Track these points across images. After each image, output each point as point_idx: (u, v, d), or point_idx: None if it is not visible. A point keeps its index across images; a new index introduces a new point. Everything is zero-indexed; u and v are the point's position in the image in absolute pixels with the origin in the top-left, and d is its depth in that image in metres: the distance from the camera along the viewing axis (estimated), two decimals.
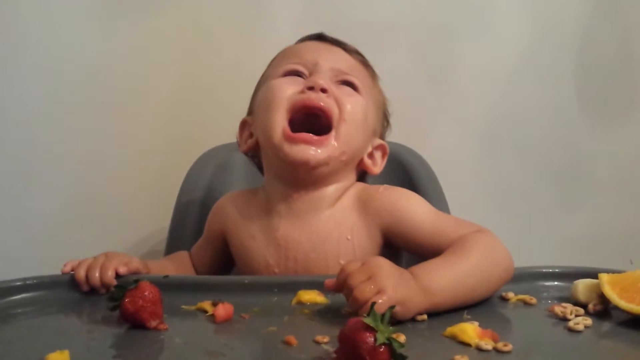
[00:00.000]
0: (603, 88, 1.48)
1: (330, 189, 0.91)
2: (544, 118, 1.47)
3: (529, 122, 1.46)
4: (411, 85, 1.37)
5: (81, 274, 0.80)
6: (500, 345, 0.63)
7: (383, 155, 0.98)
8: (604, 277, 0.74)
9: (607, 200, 1.51)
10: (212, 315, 0.72)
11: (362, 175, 0.99)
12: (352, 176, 0.95)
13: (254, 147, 0.96)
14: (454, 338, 0.66)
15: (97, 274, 0.79)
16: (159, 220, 1.26)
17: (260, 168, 1.00)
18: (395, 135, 1.20)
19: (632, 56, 1.47)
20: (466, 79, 1.43)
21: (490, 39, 1.42)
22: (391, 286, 0.68)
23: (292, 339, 0.65)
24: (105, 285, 0.79)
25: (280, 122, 0.88)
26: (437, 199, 1.13)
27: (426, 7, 1.40)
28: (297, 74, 0.91)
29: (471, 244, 0.79)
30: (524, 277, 0.84)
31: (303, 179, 0.89)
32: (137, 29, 1.30)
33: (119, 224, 1.33)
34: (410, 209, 0.88)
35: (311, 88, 0.87)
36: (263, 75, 0.98)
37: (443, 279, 0.73)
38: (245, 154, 1.01)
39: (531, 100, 1.46)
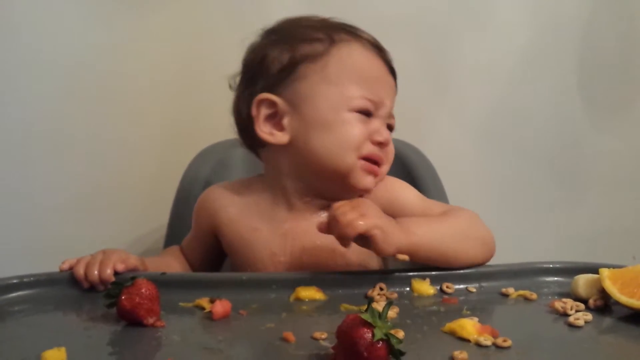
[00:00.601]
0: (605, 83, 1.47)
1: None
2: (545, 113, 1.46)
3: (530, 118, 1.46)
4: (412, 82, 1.36)
5: (80, 271, 0.80)
6: (499, 340, 0.63)
7: None
8: (604, 272, 0.74)
9: (609, 196, 1.50)
10: (210, 312, 0.71)
11: None
12: None
13: (280, 142, 0.90)
14: (453, 334, 0.65)
15: (95, 271, 0.79)
16: (157, 217, 1.25)
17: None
18: (396, 132, 1.20)
19: (634, 51, 1.47)
20: (467, 75, 1.42)
21: (490, 34, 1.41)
22: (374, 214, 0.77)
23: (290, 335, 0.65)
24: (103, 282, 0.79)
25: (353, 158, 0.88)
26: (437, 195, 1.13)
27: (426, 3, 1.39)
28: (367, 113, 0.89)
29: (452, 213, 0.88)
30: (524, 273, 0.84)
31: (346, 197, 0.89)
32: (135, 25, 1.29)
33: (118, 221, 1.32)
34: (403, 194, 0.94)
35: (381, 144, 0.90)
36: (326, 73, 0.90)
37: (422, 227, 0.81)
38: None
39: (532, 95, 1.45)
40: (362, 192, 0.91)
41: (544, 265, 0.85)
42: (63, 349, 0.60)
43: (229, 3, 1.30)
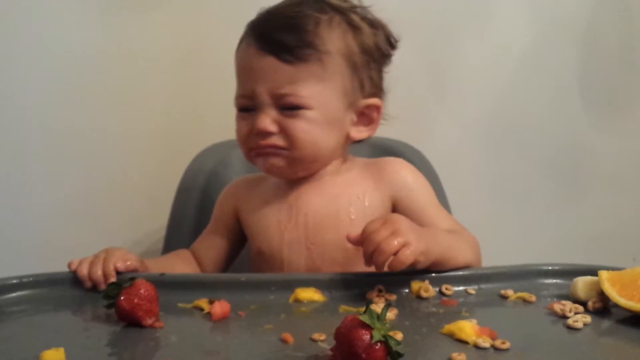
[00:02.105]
0: (606, 82, 1.47)
1: (330, 167, 0.96)
2: (546, 113, 1.46)
3: (531, 117, 1.46)
4: (411, 82, 1.36)
5: (83, 271, 0.80)
6: (498, 342, 0.63)
7: (377, 111, 0.96)
8: (603, 274, 0.74)
9: (609, 197, 1.50)
10: (208, 313, 0.71)
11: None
12: (343, 150, 0.98)
13: None
14: (451, 335, 0.65)
15: (99, 271, 0.79)
16: (157, 217, 1.25)
17: None
18: (395, 132, 1.20)
19: (635, 52, 1.46)
20: (467, 75, 1.42)
21: (491, 34, 1.41)
22: (414, 239, 0.75)
23: (289, 336, 0.65)
24: (107, 281, 0.79)
25: (248, 154, 0.95)
26: (436, 196, 1.12)
27: (426, 3, 1.39)
28: (245, 109, 0.92)
29: (464, 235, 0.89)
30: (523, 275, 0.84)
31: (288, 178, 0.96)
32: (135, 25, 1.29)
33: (117, 222, 1.32)
34: (418, 191, 0.94)
35: (258, 134, 0.90)
36: None
37: (449, 242, 0.83)
38: None
39: (533, 94, 1.45)
40: (276, 174, 0.95)
41: (543, 268, 0.84)
42: (62, 350, 0.60)
43: (229, 3, 1.30)
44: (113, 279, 0.79)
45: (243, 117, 0.93)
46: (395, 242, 0.74)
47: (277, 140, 0.90)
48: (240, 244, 1.03)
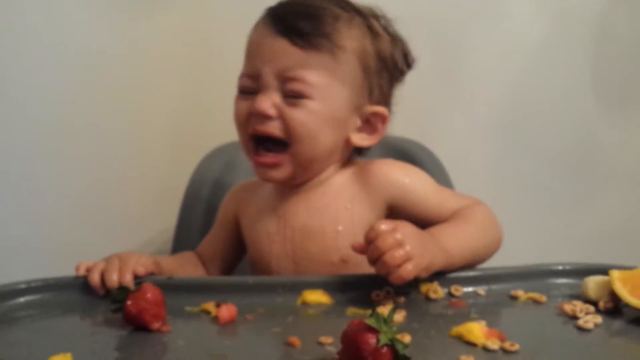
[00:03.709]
0: (619, 77, 1.45)
1: (324, 175, 0.93)
2: (558, 109, 1.45)
3: (543, 114, 1.44)
4: (422, 79, 1.35)
5: (95, 278, 0.79)
6: (507, 344, 0.62)
7: (382, 121, 0.93)
8: (614, 273, 0.73)
9: (623, 193, 1.48)
10: (216, 316, 0.71)
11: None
12: (342, 156, 0.94)
13: None
14: (460, 338, 0.65)
15: (114, 278, 0.79)
16: (165, 219, 1.26)
17: None
18: (406, 130, 1.19)
19: None
20: (478, 72, 1.41)
21: (502, 30, 1.40)
22: (419, 254, 0.73)
23: (296, 340, 0.64)
24: None
25: (245, 144, 0.92)
26: None
27: None
28: (247, 91, 0.89)
29: (475, 213, 0.88)
30: (534, 275, 0.83)
31: (282, 185, 0.94)
32: (143, 26, 1.29)
33: (125, 224, 1.32)
34: (415, 185, 0.91)
35: (256, 115, 0.87)
36: None
37: (457, 241, 0.81)
38: None
39: (545, 91, 1.44)
40: (274, 183, 0.93)
41: (554, 267, 0.83)
42: (69, 355, 0.60)
43: (236, 4, 1.29)
44: (131, 286, 0.76)
45: (243, 98, 0.90)
46: (399, 255, 0.72)
47: (275, 129, 0.87)
48: (243, 249, 1.02)
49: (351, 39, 0.89)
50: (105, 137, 1.31)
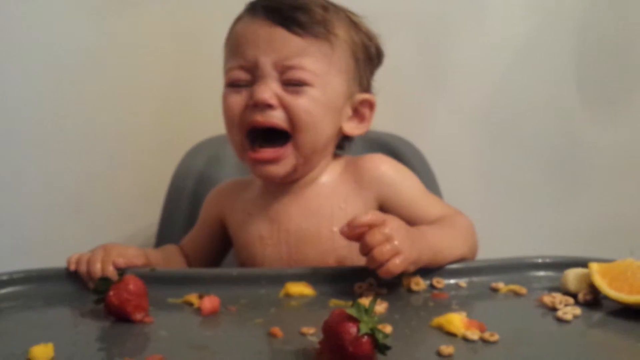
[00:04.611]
0: (602, 75, 1.46)
1: (315, 171, 0.92)
2: (542, 107, 1.45)
3: (528, 111, 1.45)
4: (407, 76, 1.36)
5: (82, 269, 0.79)
6: (486, 335, 0.63)
7: (371, 109, 0.94)
8: (593, 266, 0.74)
9: (607, 190, 1.49)
10: (198, 308, 0.71)
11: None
12: (333, 148, 0.95)
13: None
14: (440, 328, 0.66)
15: (97, 268, 0.79)
16: (149, 213, 1.25)
17: None
18: (391, 125, 1.20)
19: (632, 43, 1.46)
20: (463, 68, 1.41)
21: (486, 26, 1.40)
22: (407, 248, 0.74)
23: (278, 330, 0.65)
24: None
25: (239, 140, 0.88)
26: (430, 189, 1.12)
27: None
28: (241, 83, 0.87)
29: (459, 221, 0.88)
30: (515, 267, 0.84)
31: (278, 182, 0.92)
32: (126, 19, 1.29)
33: (109, 218, 1.31)
34: (404, 185, 0.91)
35: (256, 106, 0.85)
36: (224, 59, 0.93)
37: (443, 241, 0.82)
38: None
39: (529, 88, 1.44)
40: (273, 181, 0.90)
41: (535, 260, 0.84)
42: (50, 345, 0.60)
43: None
44: (114, 277, 0.75)
45: (236, 91, 0.87)
46: (386, 250, 0.72)
47: (279, 120, 0.85)
48: (225, 249, 1.01)
49: (342, 28, 0.90)
50: (90, 132, 1.30)
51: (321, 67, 0.87)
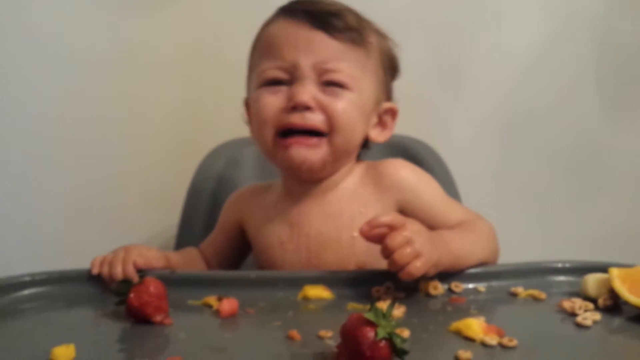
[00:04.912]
0: (621, 78, 1.45)
1: (338, 175, 0.93)
2: (560, 110, 1.44)
3: (546, 116, 1.44)
4: (425, 79, 1.36)
5: (105, 271, 0.80)
6: (505, 340, 0.62)
7: (393, 117, 0.96)
8: (614, 271, 0.73)
9: (625, 195, 1.48)
10: (217, 310, 0.72)
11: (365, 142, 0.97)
12: (357, 153, 0.96)
13: None
14: (458, 333, 0.65)
15: (118, 270, 0.79)
16: (167, 217, 1.26)
17: None
18: (409, 129, 1.20)
19: None
20: (481, 72, 1.41)
21: (504, 30, 1.40)
22: (428, 251, 0.74)
23: (296, 333, 0.65)
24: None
25: (270, 138, 0.89)
26: (449, 193, 1.12)
27: None
28: (278, 82, 0.87)
29: (480, 226, 0.88)
30: (534, 272, 0.83)
31: (305, 176, 0.91)
32: (140, 25, 1.30)
33: (128, 221, 1.33)
34: (424, 190, 0.91)
35: (295, 108, 0.85)
36: (250, 62, 0.95)
37: (463, 246, 0.81)
38: None
39: (547, 91, 1.43)
40: (303, 167, 0.87)
41: (554, 265, 0.84)
42: (72, 346, 0.61)
43: (238, 1, 1.31)
44: (134, 277, 0.77)
45: (272, 90, 0.87)
46: (407, 253, 0.72)
47: (318, 122, 0.86)
48: (244, 253, 1.02)
49: (374, 37, 0.92)
50: (105, 138, 1.31)
51: (357, 72, 0.88)
